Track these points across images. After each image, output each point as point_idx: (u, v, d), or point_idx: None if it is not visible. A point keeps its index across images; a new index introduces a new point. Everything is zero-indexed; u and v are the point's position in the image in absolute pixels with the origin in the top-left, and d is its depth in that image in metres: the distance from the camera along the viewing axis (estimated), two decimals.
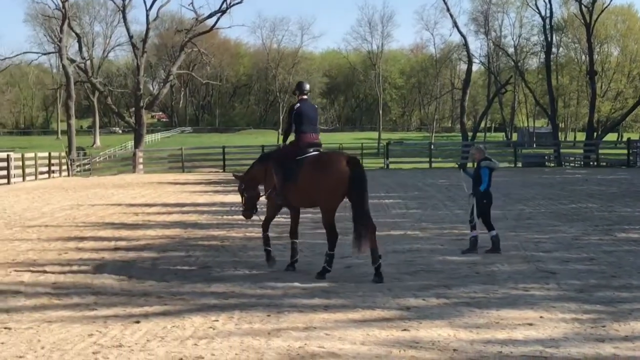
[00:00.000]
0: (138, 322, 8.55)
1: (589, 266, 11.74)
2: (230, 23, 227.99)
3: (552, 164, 49.61)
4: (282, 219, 18.63)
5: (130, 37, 66.38)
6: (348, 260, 12.48)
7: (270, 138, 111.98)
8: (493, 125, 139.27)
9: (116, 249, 14.11)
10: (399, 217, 18.59)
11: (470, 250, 13.15)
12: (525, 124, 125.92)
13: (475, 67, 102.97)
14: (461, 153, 53.20)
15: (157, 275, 11.44)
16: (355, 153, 59.71)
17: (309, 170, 11.19)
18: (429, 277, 11.05)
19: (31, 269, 12.05)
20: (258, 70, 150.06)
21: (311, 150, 11.53)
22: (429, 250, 13.60)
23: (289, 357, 7.16)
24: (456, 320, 8.50)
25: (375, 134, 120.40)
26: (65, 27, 61.37)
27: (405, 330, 8.11)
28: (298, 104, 11.77)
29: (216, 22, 69.50)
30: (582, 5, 67.24)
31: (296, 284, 10.65)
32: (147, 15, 63.95)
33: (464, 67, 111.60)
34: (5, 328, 8.35)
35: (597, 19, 70.64)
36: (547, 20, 73.40)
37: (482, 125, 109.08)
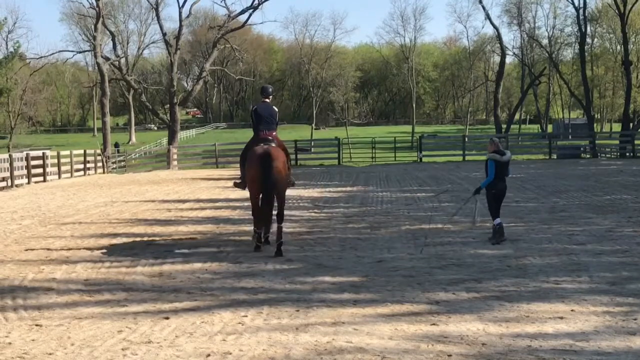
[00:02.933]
0: (167, 318, 8.60)
1: (622, 258, 11.60)
2: (263, 19, 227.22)
3: (588, 156, 49.12)
4: (314, 214, 18.70)
5: (164, 34, 66.70)
6: (379, 255, 12.45)
7: (304, 133, 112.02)
8: (528, 117, 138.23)
9: (148, 244, 14.20)
10: (431, 210, 18.50)
11: (495, 238, 13.47)
12: (560, 116, 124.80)
13: (508, 59, 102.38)
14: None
15: (188, 271, 11.50)
16: (388, 147, 59.74)
17: (248, 161, 13.31)
18: (460, 271, 10.99)
19: (64, 265, 12.16)
20: (291, 65, 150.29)
21: (261, 144, 13.25)
22: (461, 243, 13.54)
23: (316, 352, 7.16)
24: (486, 314, 8.45)
25: (408, 128, 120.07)
26: (100, 25, 61.76)
27: (434, 324, 8.08)
28: (256, 106, 13.89)
29: (248, 18, 69.63)
30: None
31: (326, 278, 10.65)
32: (180, 13, 64.20)
33: (497, 59, 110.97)
34: (36, 325, 8.44)
35: (631, 8, 69.66)
36: (581, 11, 72.52)
37: (517, 117, 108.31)
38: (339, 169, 39.95)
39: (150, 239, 15.01)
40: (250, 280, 10.63)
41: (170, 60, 64.42)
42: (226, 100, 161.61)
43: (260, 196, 13.15)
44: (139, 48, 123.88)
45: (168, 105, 69.35)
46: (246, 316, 8.58)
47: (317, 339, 7.57)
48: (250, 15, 67.96)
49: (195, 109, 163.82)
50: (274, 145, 13.33)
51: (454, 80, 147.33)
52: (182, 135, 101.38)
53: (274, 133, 13.63)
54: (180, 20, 64.28)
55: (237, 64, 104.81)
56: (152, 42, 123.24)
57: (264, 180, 12.85)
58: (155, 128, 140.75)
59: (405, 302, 9.08)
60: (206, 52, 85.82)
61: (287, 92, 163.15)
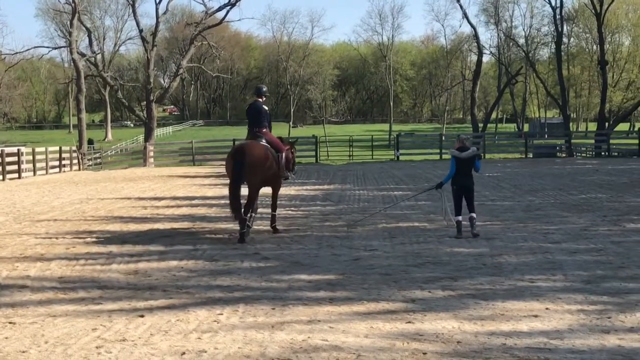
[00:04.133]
0: (142, 316, 8.56)
1: (597, 257, 11.68)
2: (240, 16, 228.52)
3: (564, 155, 49.46)
4: (290, 212, 18.70)
5: (140, 30, 66.45)
6: (356, 253, 12.46)
7: (282, 130, 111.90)
8: (504, 116, 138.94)
9: (124, 242, 14.11)
10: (407, 209, 18.54)
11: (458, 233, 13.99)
12: (537, 115, 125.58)
13: (485, 58, 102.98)
14: (472, 144, 53.08)
15: (164, 269, 11.45)
16: (365, 145, 59.82)
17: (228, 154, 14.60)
18: (436, 269, 11.01)
19: (38, 263, 12.07)
20: (269, 63, 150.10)
21: (247, 140, 14.76)
22: (437, 242, 13.57)
23: (291, 351, 7.15)
24: (461, 312, 8.47)
25: (386, 126, 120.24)
26: (76, 21, 61.41)
27: (409, 322, 8.09)
28: (249, 105, 15.16)
29: (226, 15, 69.48)
30: None
31: (302, 276, 10.64)
32: (157, 9, 64.04)
33: (474, 58, 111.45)
34: (10, 323, 8.36)
35: (607, 8, 70.12)
36: (558, 10, 72.95)
37: (494, 116, 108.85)
38: (316, 167, 39.96)
39: (126, 236, 14.92)
40: (226, 278, 10.60)
41: (147, 57, 64.22)
42: (203, 97, 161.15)
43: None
44: (115, 44, 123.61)
45: (144, 102, 69.16)
46: (222, 314, 8.55)
47: (292, 337, 7.56)
48: (228, 12, 67.93)
49: (172, 106, 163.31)
50: (262, 141, 14.49)
51: (431, 78, 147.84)
52: (158, 132, 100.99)
53: (263, 130, 14.70)
54: (157, 17, 64.09)
55: (215, 61, 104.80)
56: (129, 39, 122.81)
57: (232, 171, 14.03)
58: (132, 125, 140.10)
59: (381, 300, 9.09)
60: (183, 49, 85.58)
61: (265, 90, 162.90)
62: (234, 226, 15.97)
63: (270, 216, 15.48)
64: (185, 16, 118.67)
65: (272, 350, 7.15)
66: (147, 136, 61.35)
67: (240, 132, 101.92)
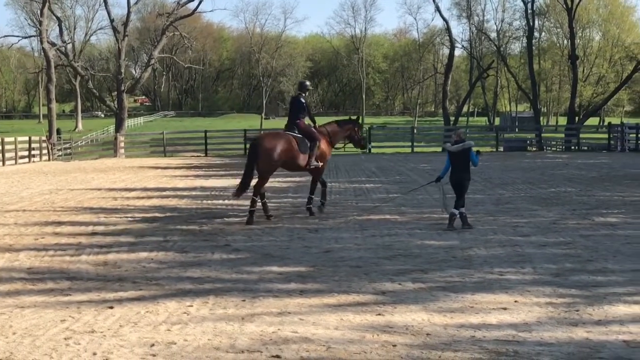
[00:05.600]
0: (112, 307, 8.52)
1: (565, 250, 11.77)
2: (212, 7, 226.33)
3: (534, 149, 49.74)
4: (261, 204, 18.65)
5: (112, 20, 65.95)
6: (327, 245, 12.47)
7: (254, 122, 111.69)
8: (476, 109, 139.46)
9: (93, 233, 14.04)
10: (379, 201, 18.58)
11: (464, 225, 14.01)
12: (508, 109, 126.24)
13: (457, 52, 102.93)
14: (443, 137, 53.34)
15: (134, 260, 11.39)
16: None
17: None
18: (406, 262, 11.05)
19: (7, 254, 11.97)
20: (241, 54, 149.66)
21: (281, 130, 16.60)
22: (407, 234, 13.60)
23: (261, 342, 7.14)
24: (431, 304, 8.51)
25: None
26: (46, 10, 60.72)
27: (379, 314, 8.11)
28: (291, 98, 16.85)
29: (198, 6, 69.48)
30: None
31: (273, 268, 10.63)
32: None
33: (446, 51, 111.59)
34: None
35: (578, 3, 70.58)
36: (529, 5, 73.33)
37: (465, 109, 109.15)
38: None
39: (95, 227, 14.83)
40: (196, 270, 10.57)
41: (118, 47, 63.73)
42: (175, 88, 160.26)
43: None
44: (86, 34, 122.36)
45: (115, 93, 68.61)
46: (192, 306, 8.53)
47: (262, 329, 7.55)
48: (200, 2, 67.98)
49: (143, 97, 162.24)
50: (295, 132, 16.01)
51: (403, 71, 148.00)
52: (129, 123, 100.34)
53: (297, 121, 16.15)
54: (129, 7, 63.56)
55: (186, 52, 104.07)
56: (100, 29, 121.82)
57: (247, 157, 16.13)
58: (103, 115, 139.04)
59: (351, 293, 9.10)
60: (155, 39, 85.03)
61: (237, 81, 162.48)
62: (204, 218, 15.96)
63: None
64: (157, 6, 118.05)
65: (242, 342, 7.14)
66: (118, 127, 60.89)
67: (211, 124, 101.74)
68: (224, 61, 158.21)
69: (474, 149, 14.55)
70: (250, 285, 9.51)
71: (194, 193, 21.43)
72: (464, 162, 14.14)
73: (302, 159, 15.89)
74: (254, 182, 15.81)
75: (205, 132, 47.62)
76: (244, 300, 8.72)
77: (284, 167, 16.18)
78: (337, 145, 17.76)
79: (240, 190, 15.64)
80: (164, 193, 21.38)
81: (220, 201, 19.19)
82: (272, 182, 24.28)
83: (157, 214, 16.75)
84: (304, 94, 16.45)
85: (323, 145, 16.37)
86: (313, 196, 16.57)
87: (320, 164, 16.27)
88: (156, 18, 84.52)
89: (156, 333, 7.48)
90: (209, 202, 19.08)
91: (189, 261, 11.27)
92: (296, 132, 15.96)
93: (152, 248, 12.39)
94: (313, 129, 16.32)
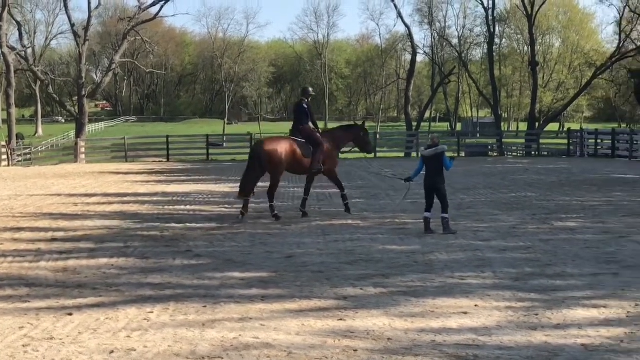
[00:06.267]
0: (71, 314, 8.44)
1: (525, 255, 11.87)
2: (175, 11, 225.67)
3: (495, 154, 50.13)
4: (224, 209, 18.61)
5: (72, 25, 65.33)
6: (289, 251, 12.45)
7: (216, 127, 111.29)
8: (438, 115, 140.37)
9: (53, 239, 13.89)
10: (342, 206, 18.58)
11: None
12: (469, 114, 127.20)
13: (420, 58, 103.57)
14: (406, 143, 53.68)
15: (94, 266, 11.29)
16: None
17: None
18: (368, 267, 11.07)
19: None
20: (204, 59, 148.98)
21: (282, 134, 17.17)
22: (370, 239, 13.63)
23: (222, 349, 7.11)
24: (392, 309, 8.54)
25: (321, 124, 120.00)
26: (6, 14, 60.00)
27: (341, 320, 8.12)
28: (294, 104, 17.46)
29: (160, 10, 68.84)
30: None
31: (235, 274, 10.60)
32: (89, 3, 62.86)
33: (408, 57, 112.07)
34: None
35: (538, 10, 71.46)
36: (490, 12, 73.96)
37: (427, 115, 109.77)
38: None
39: (55, 233, 14.68)
40: (157, 276, 10.50)
41: (79, 52, 63.14)
42: (137, 93, 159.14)
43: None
44: (46, 38, 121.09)
45: (76, 98, 67.98)
46: (152, 312, 8.48)
47: (223, 335, 7.53)
48: (162, 7, 67.23)
49: (104, 102, 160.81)
50: (297, 137, 16.70)
51: (366, 77, 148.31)
52: (90, 128, 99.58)
53: (300, 126, 16.77)
54: (90, 11, 63.03)
55: (148, 57, 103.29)
56: (60, 33, 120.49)
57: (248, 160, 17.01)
58: (63, 120, 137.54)
59: (313, 298, 9.11)
60: (116, 43, 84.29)
61: (200, 86, 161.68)
62: (166, 224, 15.86)
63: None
64: (118, 11, 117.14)
65: (203, 349, 7.11)
66: (79, 132, 60.31)
67: (173, 129, 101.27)
68: (186, 66, 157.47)
69: (448, 154, 14.69)
70: (211, 291, 9.47)
71: (155, 199, 21.29)
72: (437, 166, 14.30)
73: (306, 163, 16.63)
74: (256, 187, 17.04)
75: (167, 137, 47.32)
76: (205, 306, 8.68)
77: (289, 170, 16.95)
78: (344, 149, 18.28)
79: (242, 191, 16.54)
80: (125, 199, 21.23)
81: (182, 207, 19.10)
82: (234, 188, 24.23)
83: (117, 220, 16.61)
84: (306, 100, 17.17)
85: (328, 149, 16.93)
86: (307, 197, 17.25)
87: (324, 167, 16.84)
88: (117, 22, 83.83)
89: (116, 340, 7.42)
90: (171, 207, 18.98)
91: (150, 267, 11.20)
92: (299, 137, 16.69)
93: (113, 254, 12.29)
94: (316, 134, 16.84)
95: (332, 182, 17.46)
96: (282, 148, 16.39)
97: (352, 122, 18.79)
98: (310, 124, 16.96)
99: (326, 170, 16.97)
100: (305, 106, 16.97)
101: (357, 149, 18.62)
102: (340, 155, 18.33)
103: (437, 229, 14.16)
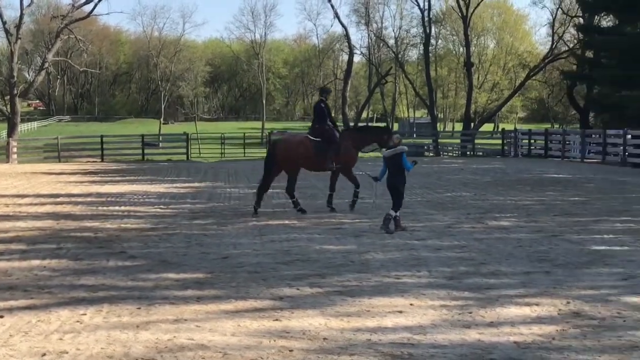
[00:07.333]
0: (2, 316, 8.26)
1: (460, 254, 12.00)
2: (109, 9, 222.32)
3: (431, 154, 50.64)
4: (159, 209, 18.44)
5: (4, 22, 64.06)
6: (225, 251, 12.39)
7: (152, 127, 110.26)
8: (375, 115, 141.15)
9: None
10: (278, 207, 18.59)
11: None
12: (406, 115, 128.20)
13: (357, 58, 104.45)
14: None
15: (25, 268, 11.07)
16: (237, 143, 59.69)
17: None
18: (304, 267, 11.06)
19: None
20: (139, 58, 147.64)
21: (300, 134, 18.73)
22: (306, 239, 13.63)
23: (156, 350, 7.04)
24: (328, 309, 8.55)
25: (258, 124, 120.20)
26: None
27: (276, 320, 8.10)
28: (315, 103, 18.53)
29: (94, 9, 67.88)
30: None
31: (170, 275, 10.49)
32: (22, 0, 61.87)
33: (345, 57, 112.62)
34: None
35: (473, 11, 72.41)
36: (426, 13, 74.85)
37: (364, 115, 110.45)
38: (187, 165, 39.57)
39: None
40: (90, 278, 10.34)
41: (11, 50, 62.00)
42: (70, 92, 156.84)
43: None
44: None
45: (8, 97, 66.73)
46: (85, 314, 8.35)
47: (158, 337, 7.45)
48: (96, 5, 66.36)
49: (37, 101, 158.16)
50: (314, 135, 17.36)
51: (303, 77, 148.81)
52: (23, 127, 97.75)
53: (316, 126, 17.57)
54: (22, 8, 61.90)
55: (82, 55, 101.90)
56: None
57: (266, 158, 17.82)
58: None
59: (249, 298, 9.07)
60: (49, 42, 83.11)
61: (135, 86, 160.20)
62: (100, 225, 15.66)
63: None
64: (51, 9, 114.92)
65: (137, 350, 7.03)
66: (10, 132, 59.19)
67: (108, 129, 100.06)
68: (121, 65, 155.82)
69: (410, 158, 14.91)
70: (145, 293, 9.37)
71: (89, 199, 21.00)
72: (396, 166, 14.50)
73: (320, 161, 17.24)
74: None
75: (102, 137, 46.69)
76: (139, 308, 8.58)
77: (304, 167, 17.66)
78: (365, 149, 18.44)
79: (258, 200, 17.21)
80: (58, 199, 20.88)
81: (116, 207, 18.86)
82: (169, 188, 24.07)
83: (50, 221, 16.33)
84: (324, 99, 18.03)
85: (346, 147, 17.46)
86: (333, 194, 17.65)
87: (337, 165, 17.32)
88: (50, 21, 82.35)
89: (48, 342, 7.29)
90: (105, 208, 18.73)
91: (83, 269, 11.02)
92: (316, 135, 17.36)
93: (45, 256, 12.07)
94: (331, 133, 17.40)
95: (348, 179, 17.73)
96: (296, 147, 17.31)
97: (381, 124, 19.48)
98: (329, 123, 17.55)
99: (342, 167, 17.41)
100: (323, 105, 17.68)
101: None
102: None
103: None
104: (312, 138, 17.42)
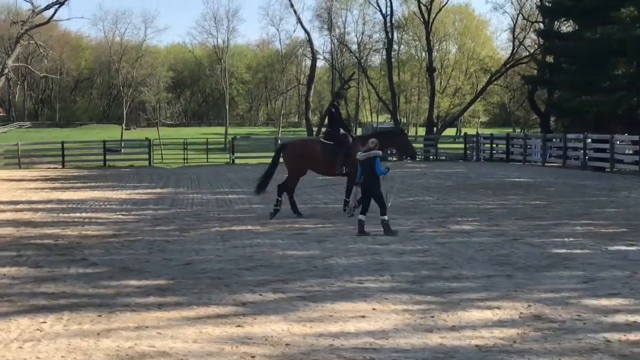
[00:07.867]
0: None
1: (422, 258, 12.05)
2: (70, 15, 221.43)
3: (394, 158, 50.69)
4: (121, 216, 18.31)
5: None
6: (187, 257, 12.33)
7: (114, 133, 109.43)
8: None
9: None
10: (241, 212, 18.56)
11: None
12: (369, 119, 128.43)
13: (320, 63, 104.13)
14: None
15: None
16: (200, 148, 59.43)
17: None
18: (267, 272, 11.04)
19: None
20: (100, 63, 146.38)
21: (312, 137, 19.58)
22: (269, 245, 13.61)
23: (117, 358, 6.98)
24: (291, 314, 8.54)
25: (222, 129, 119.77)
26: None
27: (239, 326, 8.07)
28: (328, 106, 18.33)
29: (54, 14, 67.23)
30: (421, 4, 69.00)
31: (131, 282, 10.42)
32: None
33: (309, 63, 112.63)
34: None
35: (435, 17, 72.76)
36: (388, 18, 75.09)
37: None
38: (150, 170, 39.32)
39: None
40: (51, 285, 10.23)
41: None
42: (31, 98, 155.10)
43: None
44: None
45: None
46: (45, 322, 8.26)
47: (119, 344, 7.39)
48: (56, 10, 65.81)
49: None
50: (327, 139, 17.98)
51: (266, 82, 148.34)
52: None
53: (328, 129, 18.56)
54: None
55: (43, 61, 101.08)
56: None
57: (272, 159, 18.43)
58: None
59: (211, 305, 9.03)
60: (9, 47, 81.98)
61: (96, 91, 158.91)
62: (61, 232, 15.51)
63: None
64: (11, 14, 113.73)
65: (97, 358, 6.97)
66: None
67: (69, 135, 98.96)
68: (82, 70, 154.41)
69: (383, 163, 15.23)
70: (107, 300, 9.29)
71: (49, 206, 20.79)
72: (369, 170, 14.67)
73: (330, 164, 17.54)
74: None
75: (63, 143, 46.25)
76: (100, 316, 8.51)
77: (313, 170, 18.14)
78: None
79: (259, 187, 17.99)
80: (18, 206, 20.66)
81: (78, 214, 18.70)
82: (131, 194, 23.91)
83: (10, 228, 16.15)
84: (337, 103, 18.99)
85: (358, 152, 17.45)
86: (349, 200, 17.48)
87: (347, 170, 17.28)
88: (10, 26, 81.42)
89: (7, 351, 7.21)
90: (66, 215, 18.56)
91: (43, 276, 10.90)
92: (328, 139, 17.90)
93: (5, 263, 11.93)
94: (347, 138, 17.65)
95: (348, 182, 17.73)
96: (303, 151, 17.86)
97: (397, 128, 19.89)
98: (341, 129, 17.91)
99: (350, 172, 17.17)
100: (333, 110, 18.23)
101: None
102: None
103: (371, 230, 14.31)
104: (324, 141, 17.89)
